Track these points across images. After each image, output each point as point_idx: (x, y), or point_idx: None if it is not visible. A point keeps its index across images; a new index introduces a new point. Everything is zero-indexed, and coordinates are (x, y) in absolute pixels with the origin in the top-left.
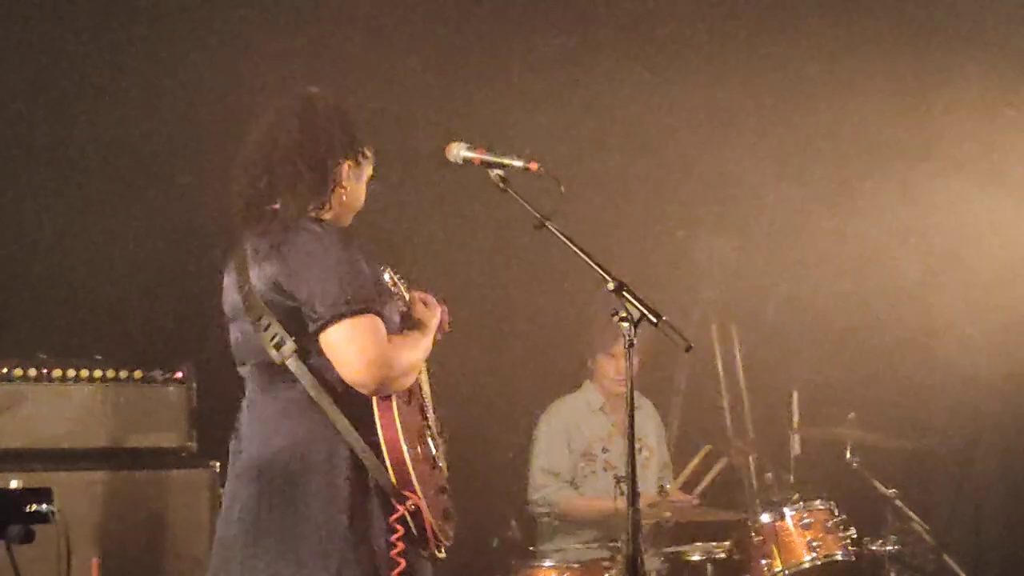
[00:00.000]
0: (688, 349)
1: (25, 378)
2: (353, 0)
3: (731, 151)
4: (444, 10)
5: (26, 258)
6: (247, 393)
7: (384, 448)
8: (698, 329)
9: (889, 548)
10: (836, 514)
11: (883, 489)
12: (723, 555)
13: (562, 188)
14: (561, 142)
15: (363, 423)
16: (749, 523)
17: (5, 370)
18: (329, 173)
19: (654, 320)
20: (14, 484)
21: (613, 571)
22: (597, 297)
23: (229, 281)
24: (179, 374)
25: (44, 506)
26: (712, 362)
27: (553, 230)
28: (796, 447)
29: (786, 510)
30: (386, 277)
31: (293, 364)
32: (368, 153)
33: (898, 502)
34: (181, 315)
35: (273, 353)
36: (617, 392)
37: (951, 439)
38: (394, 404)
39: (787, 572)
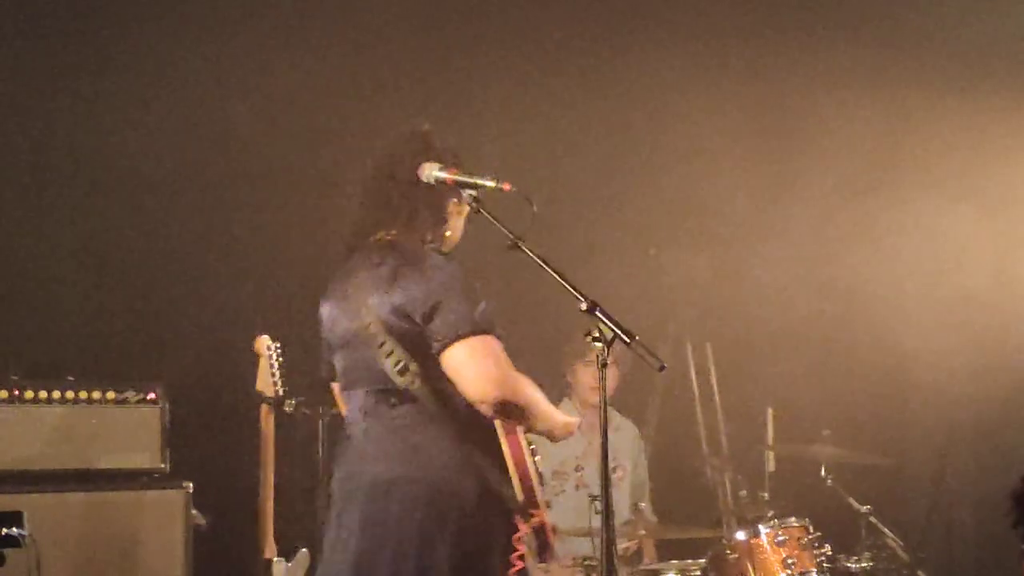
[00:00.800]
0: (661, 369)
1: None
2: (328, 12)
3: (705, 168)
4: (415, 31)
5: None
6: (358, 417)
7: (512, 467)
8: (673, 347)
9: (863, 564)
10: (811, 531)
11: (857, 506)
12: (698, 572)
13: (535, 208)
14: (533, 161)
15: (488, 444)
16: (724, 540)
17: None
18: (443, 210)
19: (627, 340)
20: None
21: None
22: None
23: (335, 310)
24: (152, 395)
25: (15, 529)
26: (687, 380)
27: (526, 251)
28: (771, 464)
29: (761, 527)
30: None
31: (418, 387)
32: (469, 194)
33: (872, 518)
34: (154, 336)
35: (397, 378)
36: (596, 402)
37: (925, 456)
38: (519, 427)
39: None
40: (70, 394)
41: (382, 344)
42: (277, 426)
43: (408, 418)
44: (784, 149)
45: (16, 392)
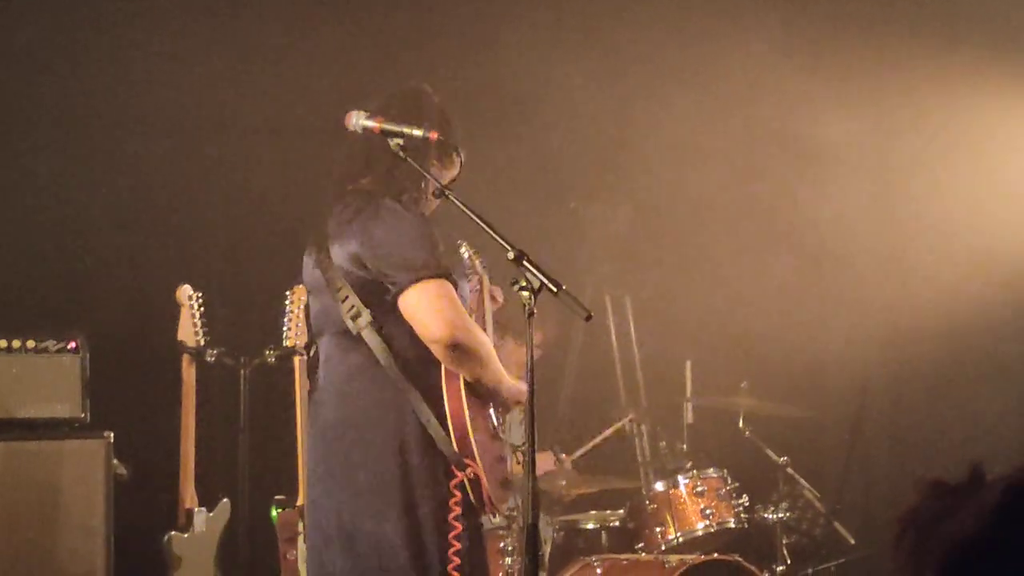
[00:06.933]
0: (588, 318)
1: None
2: None
3: (626, 121)
4: None
5: None
6: (323, 362)
7: (448, 417)
8: (592, 300)
9: (780, 515)
10: (729, 482)
11: (775, 457)
12: (617, 523)
13: (462, 158)
14: (454, 111)
15: (429, 394)
16: (643, 491)
17: None
18: (421, 164)
19: (554, 289)
20: None
21: (508, 539)
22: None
23: (309, 258)
24: (72, 344)
25: None
26: (605, 332)
27: (454, 200)
28: (689, 416)
29: (680, 478)
30: (463, 251)
31: (367, 334)
32: (455, 156)
33: (789, 470)
34: (74, 285)
35: (350, 323)
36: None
37: (842, 408)
38: (461, 378)
39: (681, 539)
40: None
41: (339, 290)
42: (198, 376)
43: (357, 364)
44: (707, 104)
45: None
